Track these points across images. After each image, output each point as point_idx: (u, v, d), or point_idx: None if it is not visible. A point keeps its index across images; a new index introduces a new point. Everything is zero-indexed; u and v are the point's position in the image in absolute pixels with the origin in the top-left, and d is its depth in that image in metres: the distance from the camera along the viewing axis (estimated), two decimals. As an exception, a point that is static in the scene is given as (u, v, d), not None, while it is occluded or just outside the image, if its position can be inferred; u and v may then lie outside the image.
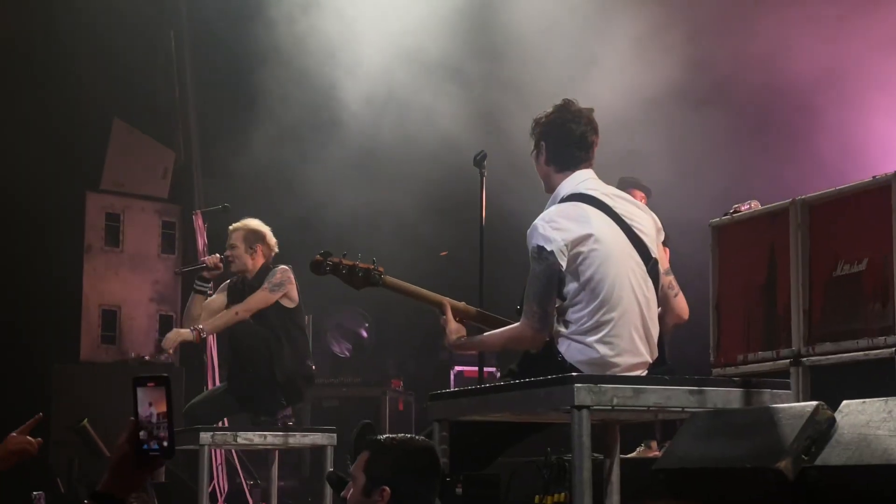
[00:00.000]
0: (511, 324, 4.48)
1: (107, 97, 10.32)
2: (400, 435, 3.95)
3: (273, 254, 7.32)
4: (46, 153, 9.95)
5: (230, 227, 7.35)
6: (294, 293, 7.18)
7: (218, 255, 7.31)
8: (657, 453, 7.56)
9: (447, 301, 4.63)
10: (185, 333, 7.02)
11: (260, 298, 7.10)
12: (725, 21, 9.42)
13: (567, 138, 4.50)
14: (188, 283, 7.72)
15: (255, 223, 7.33)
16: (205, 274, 7.27)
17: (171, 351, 7.07)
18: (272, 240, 7.32)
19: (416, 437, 4.01)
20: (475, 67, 9.88)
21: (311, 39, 10.05)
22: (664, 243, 8.16)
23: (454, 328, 4.57)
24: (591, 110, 4.57)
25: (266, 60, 10.39)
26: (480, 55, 9.83)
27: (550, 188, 4.53)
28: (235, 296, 7.25)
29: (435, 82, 9.90)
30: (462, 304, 4.69)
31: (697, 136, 9.34)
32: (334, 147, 10.43)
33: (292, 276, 7.18)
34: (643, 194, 8.42)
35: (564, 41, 9.45)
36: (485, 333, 4.57)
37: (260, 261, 7.25)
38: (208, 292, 7.32)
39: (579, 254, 4.27)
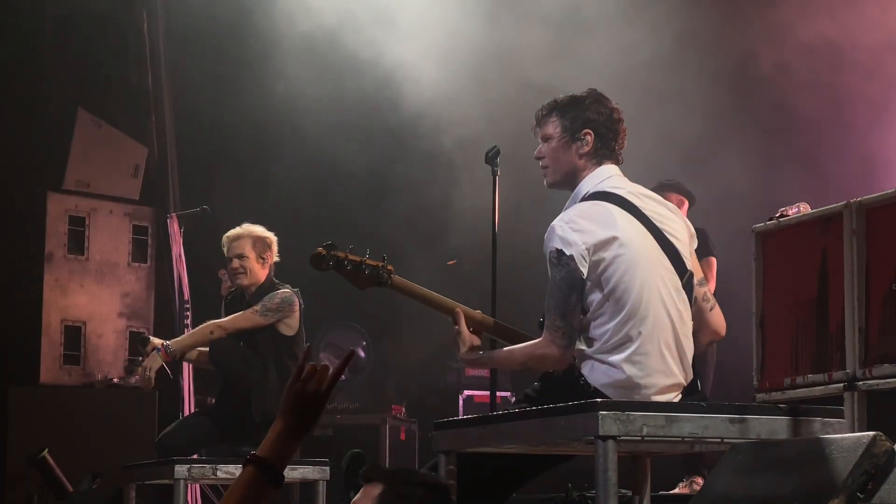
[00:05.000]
0: (533, 339, 4.48)
1: (70, 84, 10.34)
2: (421, 471, 3.94)
3: (274, 263, 7.34)
4: (1, 148, 9.97)
5: (230, 235, 7.31)
6: (294, 321, 7.18)
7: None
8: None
9: (461, 309, 4.64)
10: (153, 360, 7.01)
11: (245, 319, 7.11)
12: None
13: (616, 132, 4.52)
14: (163, 300, 7.72)
15: (259, 229, 7.33)
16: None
17: (151, 385, 7.07)
18: (275, 248, 7.34)
19: (432, 474, 4.00)
20: (488, 56, 9.91)
21: (305, 15, 10.06)
22: (710, 252, 8.22)
23: (468, 340, 4.57)
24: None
25: (252, 41, 10.41)
26: (494, 45, 9.86)
27: (571, 182, 4.52)
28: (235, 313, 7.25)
29: (442, 72, 9.92)
30: (478, 314, 4.69)
31: (740, 132, 9.38)
32: (327, 141, 10.45)
33: (297, 302, 7.18)
34: (684, 199, 8.41)
35: (592, 35, 9.51)
36: (503, 349, 4.57)
37: (265, 273, 7.26)
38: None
39: (602, 260, 4.27)
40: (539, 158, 4.59)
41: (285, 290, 7.19)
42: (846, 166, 9.02)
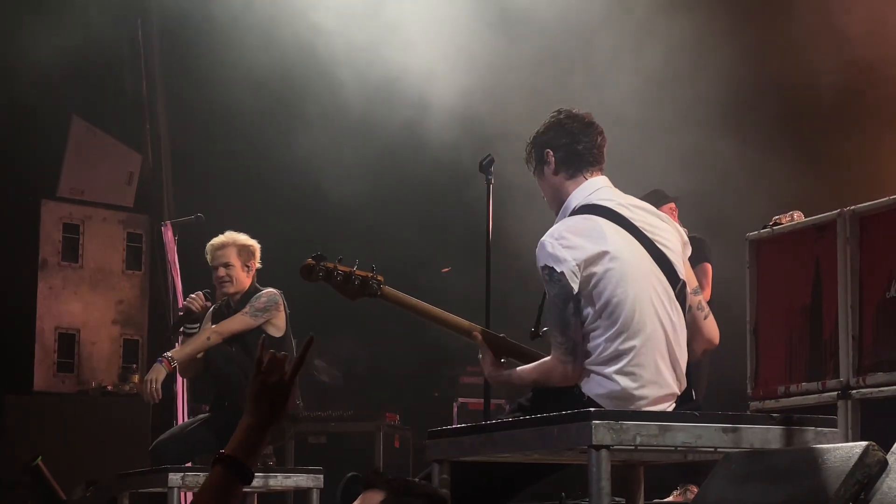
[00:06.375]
0: (523, 348, 4.55)
1: (64, 92, 10.34)
2: (419, 480, 3.95)
3: (258, 270, 7.38)
4: (-5, 156, 9.97)
5: (214, 244, 7.35)
6: (281, 321, 7.21)
7: (200, 292, 7.34)
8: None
9: (477, 328, 4.68)
10: (157, 372, 7.04)
11: (238, 322, 7.14)
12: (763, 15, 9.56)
13: (574, 138, 4.54)
14: (157, 307, 7.72)
15: (242, 237, 7.36)
16: (194, 315, 7.31)
17: (158, 397, 7.09)
18: (259, 255, 7.37)
19: (432, 485, 4.01)
20: (482, 62, 9.91)
21: (301, 24, 10.06)
22: (705, 259, 8.25)
23: (491, 358, 4.61)
24: (590, 113, 4.62)
25: (247, 50, 10.41)
26: (489, 51, 9.86)
27: (560, 203, 4.54)
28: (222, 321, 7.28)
29: (439, 79, 9.92)
30: (467, 324, 4.73)
31: (733, 139, 9.38)
32: (322, 150, 10.44)
33: (281, 302, 7.21)
34: (674, 206, 8.46)
35: (585, 41, 9.51)
36: (517, 368, 4.59)
37: (249, 280, 7.30)
38: (196, 332, 7.34)
39: (593, 274, 4.28)
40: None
41: (269, 290, 7.25)
42: (851, 175, 9.04)
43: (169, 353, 7.10)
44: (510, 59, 9.82)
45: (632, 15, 9.59)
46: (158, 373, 7.03)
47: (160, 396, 7.10)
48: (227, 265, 7.27)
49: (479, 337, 4.66)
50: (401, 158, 10.48)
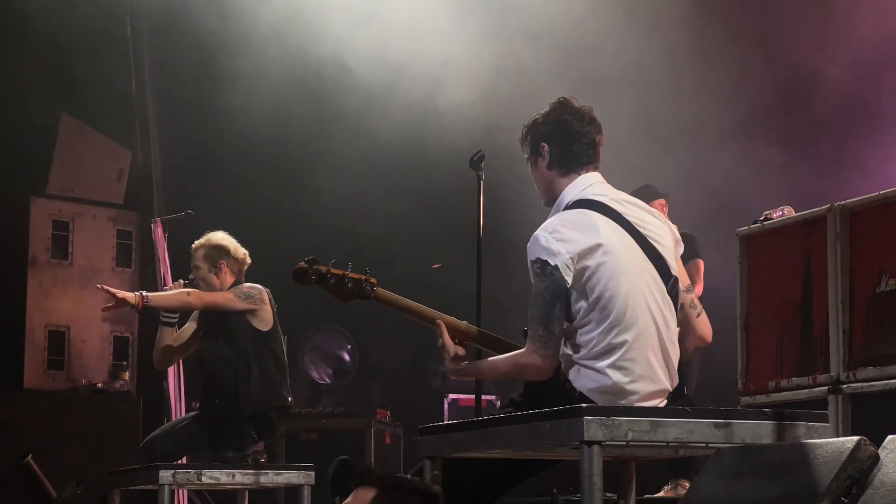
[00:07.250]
0: (519, 348, 4.49)
1: (54, 89, 10.33)
2: (411, 477, 3.95)
3: (245, 267, 7.35)
4: (-16, 153, 9.95)
5: (192, 247, 7.37)
6: (268, 315, 7.20)
7: (182, 280, 7.34)
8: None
9: (443, 321, 4.63)
10: (127, 294, 7.01)
11: (221, 296, 7.15)
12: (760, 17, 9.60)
13: (571, 137, 4.52)
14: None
15: (217, 237, 7.34)
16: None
17: (113, 300, 7.01)
18: (239, 252, 7.34)
19: (424, 481, 4.00)
20: (473, 57, 9.91)
21: (291, 21, 10.05)
22: (697, 255, 8.26)
23: (452, 351, 4.57)
24: (591, 108, 4.60)
25: (237, 47, 10.40)
26: (481, 47, 9.86)
27: (553, 198, 4.53)
28: (208, 321, 7.28)
29: (428, 74, 9.91)
30: (463, 324, 4.69)
31: (726, 136, 9.40)
32: (313, 147, 10.44)
33: (267, 297, 7.21)
34: (665, 203, 8.47)
35: (581, 35, 9.52)
36: (488, 359, 4.57)
37: (229, 279, 7.28)
38: (175, 322, 7.34)
39: (586, 268, 4.27)
40: None
41: (250, 283, 7.25)
42: (851, 175, 9.06)
43: (146, 293, 7.09)
44: (516, 59, 9.83)
45: (634, 15, 9.60)
46: (126, 295, 7.01)
47: (109, 291, 6.99)
48: (195, 268, 7.32)
49: (444, 333, 4.62)
50: (401, 156, 10.46)
